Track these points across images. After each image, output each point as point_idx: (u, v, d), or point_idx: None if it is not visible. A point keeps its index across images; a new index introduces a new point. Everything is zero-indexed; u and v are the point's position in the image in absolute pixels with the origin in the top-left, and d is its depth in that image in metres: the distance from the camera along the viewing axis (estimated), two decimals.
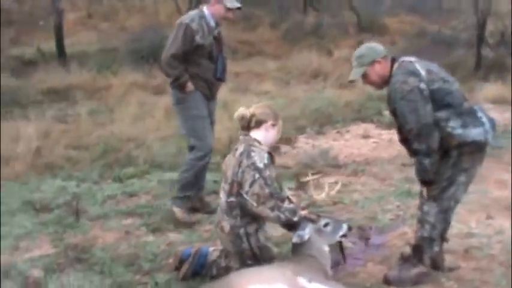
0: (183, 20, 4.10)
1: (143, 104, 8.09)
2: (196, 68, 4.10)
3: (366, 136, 6.89)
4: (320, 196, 3.13)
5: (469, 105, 3.07)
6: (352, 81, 3.23)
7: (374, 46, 3.15)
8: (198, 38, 4.02)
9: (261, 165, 2.98)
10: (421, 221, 3.16)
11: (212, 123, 4.33)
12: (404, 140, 3.12)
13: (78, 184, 5.07)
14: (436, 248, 3.18)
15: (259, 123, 3.15)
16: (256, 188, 2.95)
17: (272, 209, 2.98)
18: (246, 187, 2.98)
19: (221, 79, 4.28)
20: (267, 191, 2.96)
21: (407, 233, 3.84)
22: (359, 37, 12.76)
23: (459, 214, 4.27)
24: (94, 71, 9.83)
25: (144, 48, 11.23)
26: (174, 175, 4.81)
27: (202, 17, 4.10)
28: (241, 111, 3.18)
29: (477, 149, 3.04)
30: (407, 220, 4.08)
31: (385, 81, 3.10)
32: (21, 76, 9.62)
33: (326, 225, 3.15)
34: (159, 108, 7.70)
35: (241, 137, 3.18)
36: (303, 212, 3.11)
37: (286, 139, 6.24)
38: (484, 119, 3.04)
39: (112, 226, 4.14)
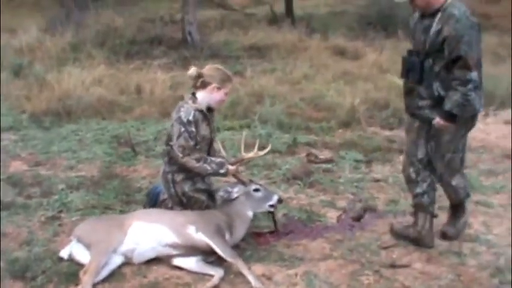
0: None
1: (312, 66, 8.11)
2: None
3: None
4: (248, 155, 3.18)
5: None
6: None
7: None
8: None
9: (185, 119, 3.06)
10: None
11: None
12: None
13: None
14: None
15: (204, 84, 3.18)
16: (181, 140, 3.05)
17: (198, 160, 3.05)
18: (174, 139, 3.09)
19: None
20: (191, 143, 3.04)
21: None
22: None
23: None
24: (303, 32, 10.05)
25: (372, 14, 11.01)
26: None
27: None
28: (191, 70, 3.21)
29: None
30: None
31: (430, 9, 2.97)
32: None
33: (256, 190, 3.11)
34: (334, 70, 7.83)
35: (185, 95, 3.29)
36: (232, 168, 3.11)
37: None
38: None
39: None
